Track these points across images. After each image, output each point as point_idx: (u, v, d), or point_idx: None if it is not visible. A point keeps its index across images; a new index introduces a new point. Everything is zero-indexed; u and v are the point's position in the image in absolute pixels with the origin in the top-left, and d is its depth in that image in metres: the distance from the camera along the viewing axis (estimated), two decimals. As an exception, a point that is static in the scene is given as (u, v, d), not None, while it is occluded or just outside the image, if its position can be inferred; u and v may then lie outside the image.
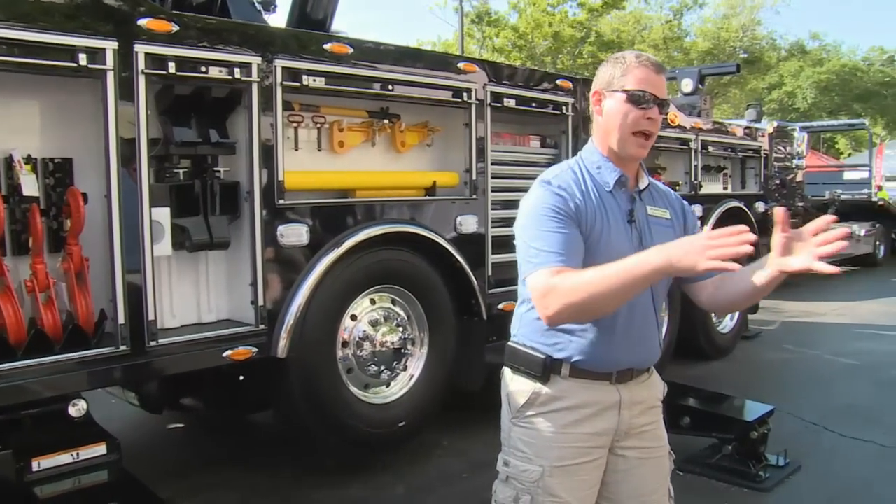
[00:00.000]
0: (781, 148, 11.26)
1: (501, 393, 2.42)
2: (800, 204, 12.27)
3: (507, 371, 2.41)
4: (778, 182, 10.98)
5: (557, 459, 2.23)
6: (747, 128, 8.90)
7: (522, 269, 2.20)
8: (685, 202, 2.51)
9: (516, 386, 2.34)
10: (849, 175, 17.55)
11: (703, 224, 7.29)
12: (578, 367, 2.25)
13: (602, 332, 2.16)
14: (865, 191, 16.35)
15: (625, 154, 2.27)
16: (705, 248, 1.83)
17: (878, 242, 16.24)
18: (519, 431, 2.31)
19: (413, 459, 4.92)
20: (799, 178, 12.10)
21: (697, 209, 7.25)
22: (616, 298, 2.02)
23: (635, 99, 2.20)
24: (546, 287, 2.07)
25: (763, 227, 8.65)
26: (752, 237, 1.80)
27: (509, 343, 2.40)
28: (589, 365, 2.24)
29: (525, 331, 2.35)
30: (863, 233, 15.28)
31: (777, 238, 1.96)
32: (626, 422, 2.30)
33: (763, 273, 2.03)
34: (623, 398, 2.28)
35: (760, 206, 8.73)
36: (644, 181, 2.35)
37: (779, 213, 1.96)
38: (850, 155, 35.86)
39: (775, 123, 11.29)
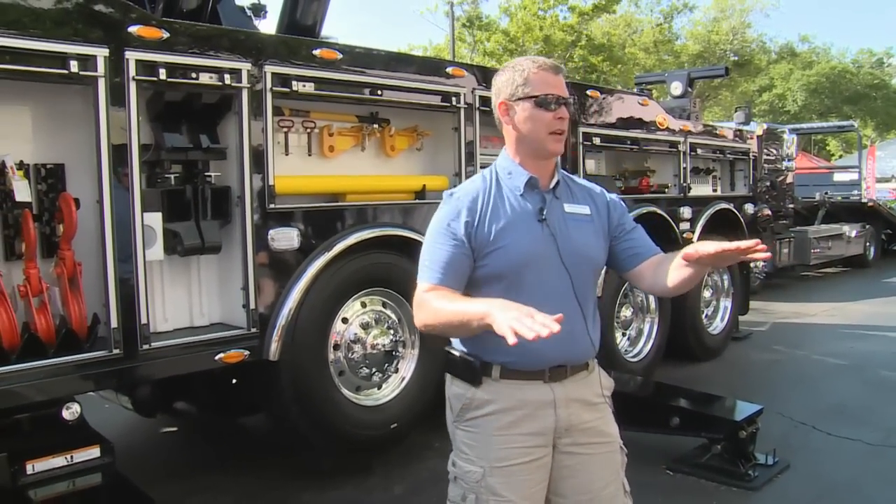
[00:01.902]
0: (771, 150, 11.33)
1: (446, 397, 2.48)
2: (790, 205, 12.34)
3: (447, 376, 2.47)
4: (768, 184, 11.05)
5: (497, 460, 2.27)
6: (736, 130, 8.97)
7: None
8: (612, 196, 2.56)
9: (454, 390, 2.41)
10: (839, 177, 17.62)
11: (692, 227, 7.35)
12: (508, 367, 2.30)
13: None
14: (856, 192, 16.43)
15: (544, 152, 2.34)
16: (516, 320, 1.86)
17: (868, 244, 16.30)
18: (461, 434, 2.37)
19: (404, 461, 4.95)
20: (789, 179, 12.16)
21: (687, 211, 7.30)
22: (461, 331, 2.24)
23: (544, 103, 2.29)
24: (418, 300, 2.29)
25: (752, 228, 8.75)
26: (556, 328, 1.82)
27: (446, 349, 2.47)
28: (518, 365, 2.29)
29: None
30: (853, 234, 15.33)
31: (712, 251, 2.10)
32: (565, 420, 2.32)
33: (690, 269, 2.23)
34: (557, 396, 2.31)
35: (750, 208, 8.79)
36: (555, 181, 2.40)
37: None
38: (840, 157, 36.01)
39: (765, 126, 11.36)
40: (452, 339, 2.44)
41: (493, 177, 2.40)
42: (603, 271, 2.63)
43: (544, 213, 2.33)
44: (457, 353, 2.40)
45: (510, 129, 2.38)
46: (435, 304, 2.22)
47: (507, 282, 2.25)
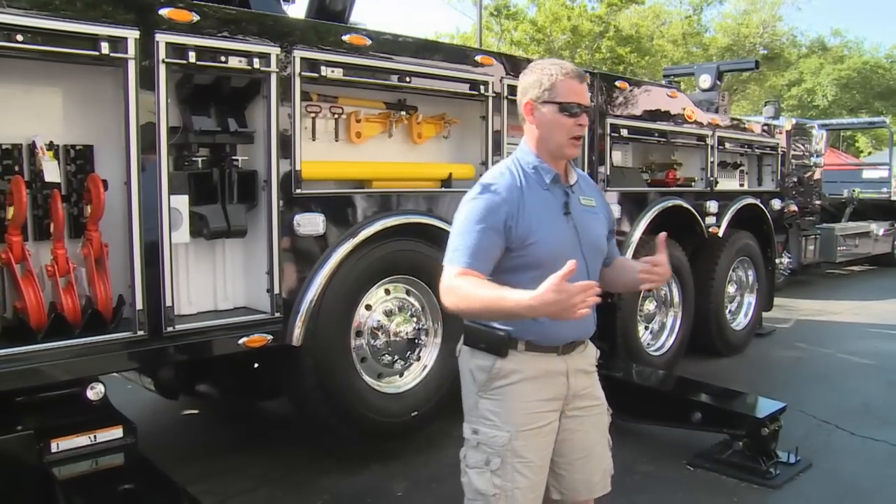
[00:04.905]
0: (799, 145, 11.22)
1: (462, 369, 2.67)
2: (817, 202, 12.22)
3: (465, 350, 2.66)
4: (795, 180, 10.94)
5: (522, 425, 2.51)
6: (765, 125, 8.88)
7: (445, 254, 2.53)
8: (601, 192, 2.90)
9: (478, 362, 2.58)
10: (868, 174, 17.34)
11: (718, 221, 7.29)
12: (532, 342, 2.54)
13: None
14: (885, 190, 16.21)
15: (562, 156, 2.58)
16: (575, 307, 2.14)
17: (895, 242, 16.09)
18: (486, 403, 2.56)
19: (424, 449, 4.95)
20: (817, 175, 12.03)
21: (713, 205, 7.24)
22: (491, 317, 2.48)
23: (568, 110, 2.51)
24: (447, 284, 2.44)
25: (778, 224, 8.67)
26: (597, 298, 2.20)
27: (466, 324, 2.65)
28: (541, 341, 2.54)
29: None
30: (881, 232, 15.12)
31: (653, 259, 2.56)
32: (573, 387, 2.61)
33: (634, 279, 2.66)
34: (569, 367, 2.60)
35: (777, 204, 8.71)
36: (574, 176, 2.65)
37: (661, 238, 2.62)
38: (870, 153, 35.57)
39: (794, 121, 11.25)
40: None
41: (519, 171, 2.58)
42: None
43: (569, 206, 2.57)
44: (481, 327, 2.58)
45: (533, 128, 2.59)
46: (467, 288, 2.37)
47: (537, 272, 2.35)
